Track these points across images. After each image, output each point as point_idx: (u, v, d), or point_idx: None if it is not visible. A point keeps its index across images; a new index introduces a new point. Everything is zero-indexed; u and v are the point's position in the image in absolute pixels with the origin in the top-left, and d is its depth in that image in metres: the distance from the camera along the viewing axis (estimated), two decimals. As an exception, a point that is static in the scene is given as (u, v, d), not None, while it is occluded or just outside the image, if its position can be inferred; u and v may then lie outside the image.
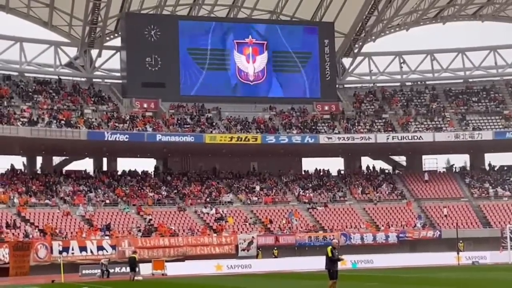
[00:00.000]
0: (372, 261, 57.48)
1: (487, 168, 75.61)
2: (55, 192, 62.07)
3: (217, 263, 54.48)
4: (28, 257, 52.27)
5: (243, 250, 58.92)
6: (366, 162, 77.21)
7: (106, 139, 61.55)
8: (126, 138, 62.18)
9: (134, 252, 49.94)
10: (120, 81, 70.67)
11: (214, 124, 68.39)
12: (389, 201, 69.64)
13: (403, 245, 63.20)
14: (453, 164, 79.35)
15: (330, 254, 27.47)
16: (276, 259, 58.20)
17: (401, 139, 68.68)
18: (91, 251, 54.52)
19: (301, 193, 68.98)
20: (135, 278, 45.49)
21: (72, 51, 69.97)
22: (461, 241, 60.10)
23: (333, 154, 74.96)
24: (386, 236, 63.14)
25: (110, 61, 71.07)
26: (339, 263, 27.73)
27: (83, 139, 61.14)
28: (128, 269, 52.08)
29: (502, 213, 67.76)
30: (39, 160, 68.12)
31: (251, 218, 64.41)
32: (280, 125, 70.12)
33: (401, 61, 77.28)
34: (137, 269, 47.26)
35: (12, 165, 64.93)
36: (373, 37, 76.33)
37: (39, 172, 66.36)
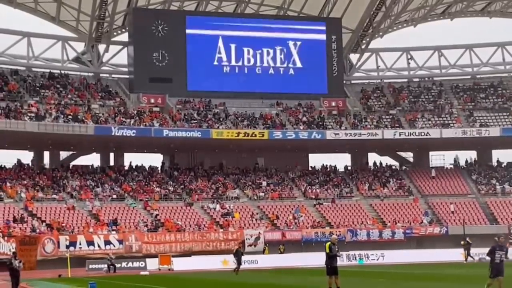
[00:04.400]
0: (379, 257, 57.43)
1: (495, 164, 75.48)
2: (62, 187, 62.16)
3: (224, 258, 54.47)
4: (35, 251, 52.43)
5: (250, 245, 58.87)
6: (373, 158, 77.24)
7: (113, 134, 61.62)
8: (133, 133, 62.26)
9: (240, 244, 49.10)
10: (127, 76, 70.73)
11: (221, 119, 68.40)
12: (396, 197, 69.54)
13: (410, 242, 63.13)
14: (458, 162, 79.04)
15: (328, 250, 27.55)
16: (283, 254, 58.15)
17: (408, 135, 68.65)
18: (98, 246, 54.63)
19: (307, 189, 68.95)
20: (141, 272, 45.50)
21: (80, 46, 70.12)
22: (468, 238, 59.90)
23: (340, 150, 74.99)
24: (392, 232, 63.07)
25: (117, 56, 71.26)
26: (338, 259, 27.76)
27: (90, 134, 61.31)
28: (133, 263, 52.47)
29: (509, 210, 67.59)
30: (46, 155, 68.24)
31: (257, 213, 64.41)
32: (287, 121, 70.08)
33: (409, 57, 77.18)
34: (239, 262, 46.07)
35: (19, 160, 65.07)
36: (381, 33, 76.25)
37: (46, 167, 66.48)
